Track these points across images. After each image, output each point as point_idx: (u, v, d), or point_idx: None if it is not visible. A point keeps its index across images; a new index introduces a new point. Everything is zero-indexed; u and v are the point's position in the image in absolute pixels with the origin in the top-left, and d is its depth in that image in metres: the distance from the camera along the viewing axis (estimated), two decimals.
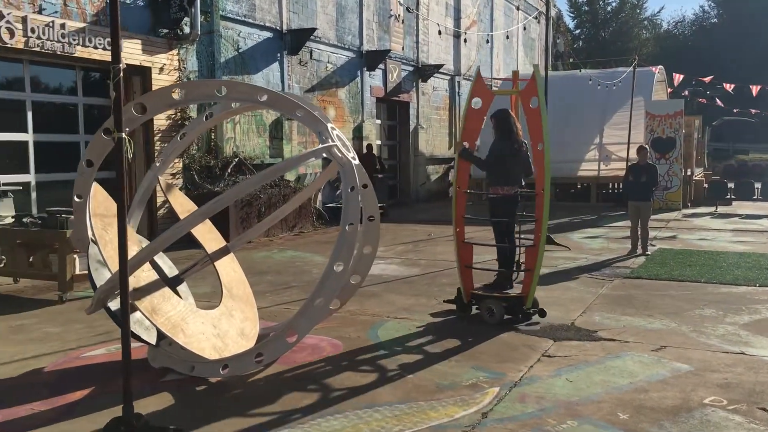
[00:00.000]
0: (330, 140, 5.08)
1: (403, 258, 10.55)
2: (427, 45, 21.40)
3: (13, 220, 8.18)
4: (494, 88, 19.95)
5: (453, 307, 7.01)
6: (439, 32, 21.69)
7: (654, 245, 11.28)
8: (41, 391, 4.81)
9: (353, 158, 5.16)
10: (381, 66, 18.44)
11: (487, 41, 25.67)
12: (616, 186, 20.46)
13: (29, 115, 10.07)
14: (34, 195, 10.10)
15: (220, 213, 10.57)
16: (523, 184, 7.18)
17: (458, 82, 23.52)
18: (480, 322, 6.56)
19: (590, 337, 6.10)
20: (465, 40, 23.78)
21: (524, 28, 29.80)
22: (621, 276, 8.95)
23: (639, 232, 10.78)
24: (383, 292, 7.99)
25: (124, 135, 3.58)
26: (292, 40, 14.99)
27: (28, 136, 10.06)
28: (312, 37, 15.38)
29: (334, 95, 16.80)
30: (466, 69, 24.01)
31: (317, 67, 16.05)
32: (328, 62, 16.47)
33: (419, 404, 4.54)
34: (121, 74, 3.56)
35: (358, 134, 17.73)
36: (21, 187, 9.37)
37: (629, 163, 14.05)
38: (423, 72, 20.94)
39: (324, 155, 5.07)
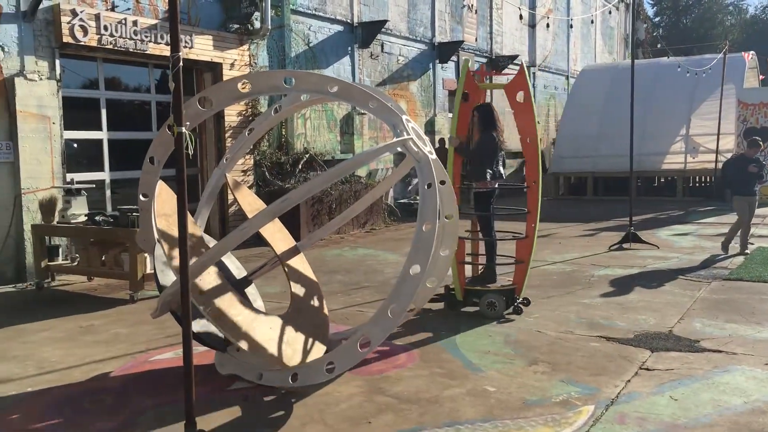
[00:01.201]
0: (405, 133, 4.70)
1: None
2: (501, 35, 20.75)
3: (87, 218, 8.16)
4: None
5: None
6: (520, 16, 21.01)
7: (752, 243, 10.43)
8: (106, 398, 4.63)
9: (430, 153, 4.77)
10: (453, 58, 17.95)
11: (571, 26, 24.75)
12: (704, 179, 19.35)
13: (103, 113, 10.11)
14: (108, 193, 10.14)
15: (290, 210, 10.29)
16: (504, 177, 7.12)
17: (533, 73, 22.74)
18: (544, 328, 6.07)
19: (692, 347, 5.52)
20: (547, 25, 22.97)
21: (609, 12, 28.65)
22: (719, 278, 8.22)
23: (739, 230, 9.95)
24: None
25: (184, 129, 3.29)
26: (363, 33, 14.70)
27: (102, 134, 10.10)
28: (383, 29, 15.06)
29: (406, 89, 16.42)
30: (541, 59, 23.21)
31: (388, 60, 15.71)
32: (400, 55, 16.11)
33: (505, 423, 4.11)
34: (181, 64, 3.27)
35: (430, 128, 17.31)
36: (94, 185, 9.38)
37: (733, 155, 13.00)
38: (497, 63, 20.31)
39: (399, 149, 4.69)
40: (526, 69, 6.75)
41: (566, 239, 11.78)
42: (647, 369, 5.02)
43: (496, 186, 6.95)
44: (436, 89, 17.52)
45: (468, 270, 7.09)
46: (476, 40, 19.45)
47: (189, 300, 3.46)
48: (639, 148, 16.25)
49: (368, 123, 14.92)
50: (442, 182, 5.11)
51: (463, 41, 18.14)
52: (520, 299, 6.67)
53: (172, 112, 3.39)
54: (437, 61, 17.45)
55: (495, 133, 6.88)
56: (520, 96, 6.56)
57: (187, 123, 3.78)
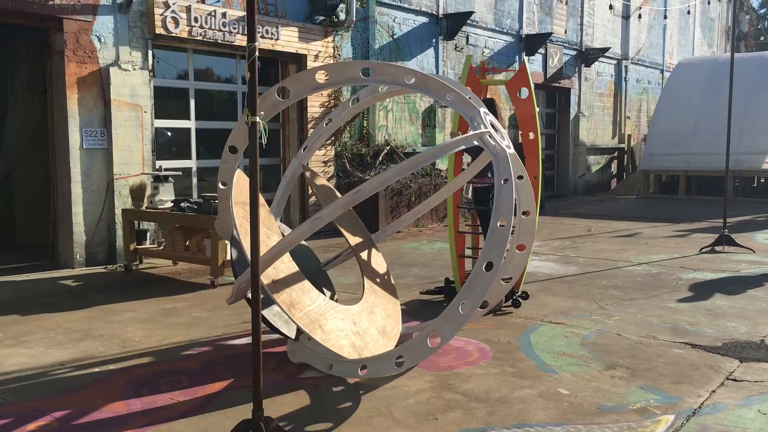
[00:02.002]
0: (482, 126, 4.60)
1: (559, 255, 9.83)
2: (592, 27, 20.11)
3: (173, 204, 8.44)
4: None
5: (581, 310, 6.29)
6: (610, 6, 20.31)
7: None
8: (182, 379, 4.77)
9: (508, 147, 4.65)
10: (541, 50, 17.53)
11: (666, 17, 23.73)
12: None
13: (192, 103, 10.42)
14: (194, 180, 10.46)
15: (369, 202, 10.32)
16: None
17: (625, 66, 21.95)
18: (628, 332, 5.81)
19: None
20: (639, 16, 22.12)
21: (708, 3, 27.32)
22: None
23: None
24: (537, 293, 7.39)
25: (257, 119, 3.32)
26: (449, 25, 14.55)
27: (190, 123, 10.42)
28: (469, 21, 14.86)
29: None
30: (634, 52, 22.37)
31: (473, 52, 15.50)
32: (485, 47, 15.87)
33: (577, 428, 3.97)
34: (256, 54, 3.29)
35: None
36: (181, 173, 9.69)
37: None
38: (587, 56, 19.71)
39: (475, 143, 4.59)
40: (528, 65, 6.87)
41: (654, 240, 11.32)
42: (734, 380, 4.74)
43: (490, 182, 6.88)
44: None
45: (468, 264, 7.04)
46: (565, 32, 18.93)
47: (259, 288, 3.49)
48: (737, 146, 15.45)
49: (450, 116, 14.77)
50: (520, 177, 4.98)
51: (551, 33, 17.68)
52: (519, 293, 6.68)
53: (246, 102, 3.42)
54: (524, 54, 17.09)
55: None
56: (523, 92, 6.71)
57: (261, 113, 3.82)
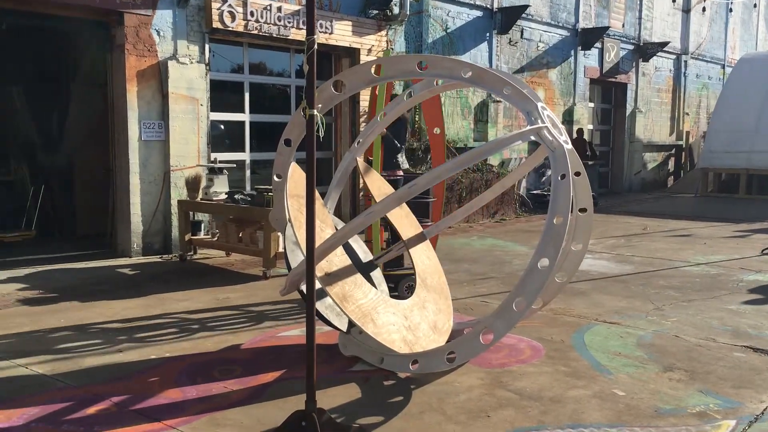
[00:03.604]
0: (540, 121, 4.52)
1: (614, 253, 9.63)
2: (651, 21, 19.60)
3: (227, 196, 8.57)
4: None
5: (637, 310, 6.13)
6: (674, 0, 19.80)
7: None
8: (236, 369, 4.83)
9: (565, 142, 4.55)
10: (597, 45, 17.19)
11: (731, 10, 22.99)
12: None
13: (246, 96, 10.54)
14: (248, 172, 10.59)
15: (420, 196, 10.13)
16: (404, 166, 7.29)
17: (685, 61, 21.35)
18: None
19: None
20: (703, 9, 21.48)
21: None
22: None
23: None
24: (591, 291, 7.26)
25: (315, 112, 3.33)
26: (503, 19, 14.38)
27: (245, 117, 10.55)
28: (524, 15, 14.65)
29: (544, 76, 15.93)
30: (695, 47, 21.73)
31: (527, 46, 15.29)
32: (540, 41, 15.63)
33: (634, 430, 3.88)
34: (315, 47, 3.30)
35: (568, 118, 16.71)
36: (235, 165, 9.82)
37: None
38: (645, 51, 19.24)
39: (532, 138, 4.52)
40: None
41: (712, 240, 10.99)
42: None
43: (401, 175, 7.14)
44: (576, 77, 16.86)
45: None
46: (623, 26, 18.50)
47: (314, 281, 3.51)
48: (758, 145, 14.89)
49: (503, 111, 14.62)
50: (577, 173, 4.88)
51: (608, 27, 17.30)
52: None
53: (304, 95, 3.43)
54: (579, 48, 16.78)
55: (400, 124, 7.07)
56: None
57: (320, 106, 3.83)
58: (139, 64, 8.84)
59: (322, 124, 3.42)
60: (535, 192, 15.30)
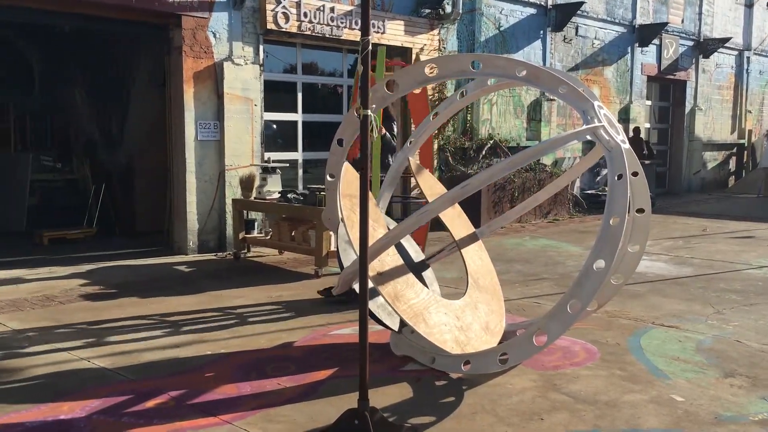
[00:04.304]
0: (596, 120, 4.44)
1: (671, 255, 9.39)
2: (712, 16, 19.04)
3: (280, 195, 8.68)
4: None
5: (696, 314, 5.94)
6: None
7: None
8: (289, 366, 4.89)
9: (623, 141, 4.46)
10: (655, 41, 16.78)
11: None
12: None
13: (299, 96, 10.66)
14: (300, 172, 10.71)
15: (472, 196, 10.21)
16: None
17: (747, 57, 20.66)
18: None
19: None
20: (767, 4, 20.74)
21: None
22: None
23: None
24: (648, 294, 7.10)
25: (369, 112, 3.34)
26: (558, 16, 14.18)
27: (297, 116, 10.67)
28: (579, 11, 14.41)
29: (600, 74, 15.64)
30: (758, 42, 21.01)
31: (582, 43, 15.04)
32: (595, 38, 15.35)
33: None
34: (370, 47, 3.31)
35: (624, 116, 16.36)
36: (288, 164, 9.94)
37: None
38: (705, 47, 18.69)
39: (588, 137, 4.45)
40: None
41: None
42: None
43: None
44: (633, 74, 16.50)
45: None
46: (682, 21, 18.01)
47: (367, 280, 3.52)
48: None
49: (557, 109, 14.41)
50: (635, 173, 4.78)
51: (667, 23, 16.87)
52: None
53: (360, 95, 3.45)
54: (636, 45, 16.42)
55: (392, 124, 7.07)
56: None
57: (373, 106, 3.84)
58: (195, 66, 9.02)
59: (377, 124, 3.43)
60: (589, 192, 15.03)
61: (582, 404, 4.23)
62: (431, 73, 4.69)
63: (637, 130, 15.90)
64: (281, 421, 3.95)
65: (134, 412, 4.06)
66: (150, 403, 4.18)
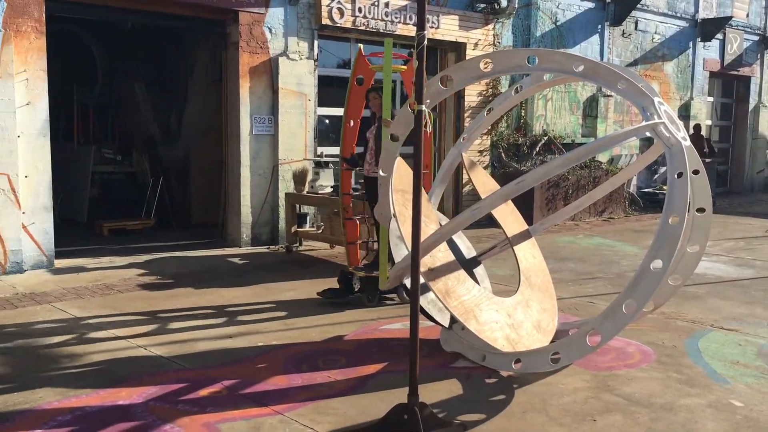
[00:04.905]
0: (656, 117, 4.33)
1: (732, 256, 9.11)
2: None
3: (332, 189, 8.73)
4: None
5: (758, 317, 5.73)
6: None
7: None
8: (339, 359, 4.93)
9: (684, 139, 4.35)
10: (718, 36, 16.26)
11: None
12: None
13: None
14: None
15: (524, 193, 10.02)
16: None
17: None
18: None
19: None
20: None
21: None
22: None
23: None
24: (707, 296, 6.90)
25: (424, 108, 3.33)
26: (616, 10, 13.88)
27: None
28: (639, 5, 14.08)
29: (659, 69, 15.25)
30: None
31: (642, 38, 14.68)
32: (655, 33, 14.96)
33: None
34: (425, 42, 3.30)
35: (684, 113, 15.92)
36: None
37: None
38: None
39: (647, 134, 4.34)
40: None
41: None
42: None
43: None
44: (694, 70, 16.04)
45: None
46: (747, 15, 17.41)
47: (418, 276, 3.52)
48: None
49: (614, 105, 14.11)
50: (695, 172, 4.65)
51: (731, 17, 16.34)
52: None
53: (414, 90, 3.44)
54: (698, 40, 15.94)
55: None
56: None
57: (427, 101, 3.83)
58: (251, 61, 9.15)
59: (431, 119, 3.42)
60: (646, 190, 14.69)
61: (636, 406, 4.14)
62: (486, 68, 4.64)
63: (697, 127, 15.44)
64: (331, 414, 3.98)
65: (189, 400, 4.15)
66: (204, 392, 4.27)
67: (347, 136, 6.96)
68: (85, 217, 10.78)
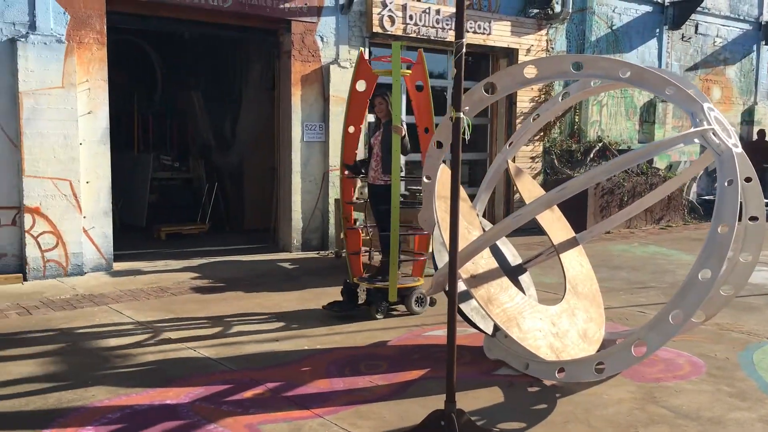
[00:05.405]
0: (705, 123, 4.23)
1: None
2: None
3: None
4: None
5: None
6: None
7: None
8: (381, 364, 4.96)
9: (734, 145, 4.23)
10: None
11: None
12: None
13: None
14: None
15: (578, 201, 9.85)
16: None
17: None
18: None
19: None
20: None
21: None
22: None
23: None
24: (764, 307, 6.67)
25: (462, 115, 3.34)
26: (675, 14, 13.55)
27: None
28: (699, 8, 13.71)
29: (721, 74, 14.81)
30: None
31: (702, 42, 14.29)
32: (717, 36, 14.55)
33: None
34: (464, 50, 3.32)
35: (748, 118, 15.41)
36: None
37: None
38: None
39: (696, 140, 4.24)
40: (424, 57, 6.43)
41: None
42: None
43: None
44: (758, 74, 15.51)
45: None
46: None
47: (456, 282, 3.53)
48: None
49: (673, 111, 13.76)
50: (748, 179, 4.52)
51: None
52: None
53: (452, 97, 3.45)
54: (762, 43, 15.42)
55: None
56: (419, 85, 6.44)
57: (466, 108, 3.84)
58: (303, 69, 9.30)
59: (469, 127, 3.43)
60: (707, 197, 14.27)
61: (683, 419, 4.04)
62: (530, 74, 4.62)
63: (762, 132, 14.93)
64: (371, 418, 4.01)
65: (233, 401, 4.25)
66: (248, 393, 4.36)
67: (348, 143, 6.78)
68: (144, 221, 11.12)
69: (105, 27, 7.84)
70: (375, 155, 6.58)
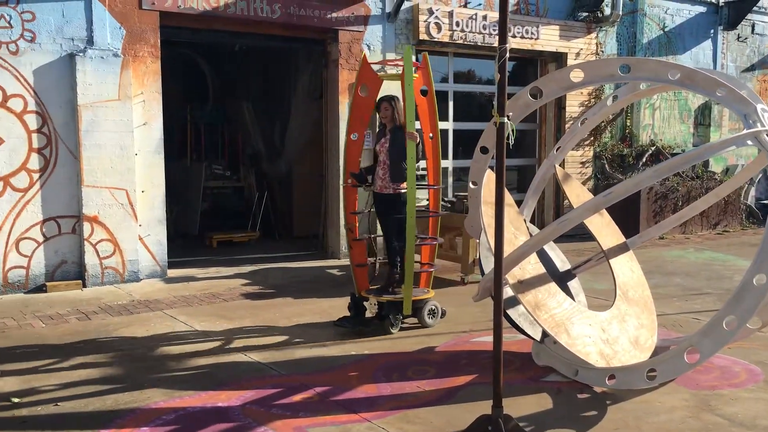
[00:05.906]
0: (759, 124, 4.14)
1: None
2: None
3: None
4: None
5: None
6: None
7: None
8: (429, 370, 4.98)
9: None
10: None
11: None
12: None
13: (450, 104, 10.75)
14: (450, 180, 10.79)
15: (630, 206, 9.62)
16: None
17: None
18: None
19: None
20: None
21: None
22: None
23: None
24: None
25: (506, 120, 3.35)
26: (730, 14, 13.22)
27: (448, 125, 10.76)
28: (755, 8, 13.35)
29: None
30: None
31: (759, 42, 13.90)
32: None
33: None
34: (507, 55, 3.32)
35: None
36: None
37: None
38: None
39: (749, 142, 4.15)
40: (428, 61, 6.27)
41: None
42: None
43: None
44: None
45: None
46: None
47: (502, 288, 3.52)
48: None
49: (729, 113, 13.40)
50: None
51: None
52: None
53: (496, 102, 3.47)
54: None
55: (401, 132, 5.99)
56: (423, 90, 6.30)
57: (510, 113, 3.84)
58: (350, 78, 9.39)
59: (513, 132, 3.43)
60: (765, 202, 13.84)
61: (738, 428, 3.94)
62: (577, 78, 4.59)
63: None
64: (418, 423, 4.03)
65: (283, 405, 4.32)
66: (297, 397, 4.43)
67: (351, 151, 6.43)
68: (197, 229, 11.37)
69: (159, 41, 8.08)
70: (381, 163, 6.20)
